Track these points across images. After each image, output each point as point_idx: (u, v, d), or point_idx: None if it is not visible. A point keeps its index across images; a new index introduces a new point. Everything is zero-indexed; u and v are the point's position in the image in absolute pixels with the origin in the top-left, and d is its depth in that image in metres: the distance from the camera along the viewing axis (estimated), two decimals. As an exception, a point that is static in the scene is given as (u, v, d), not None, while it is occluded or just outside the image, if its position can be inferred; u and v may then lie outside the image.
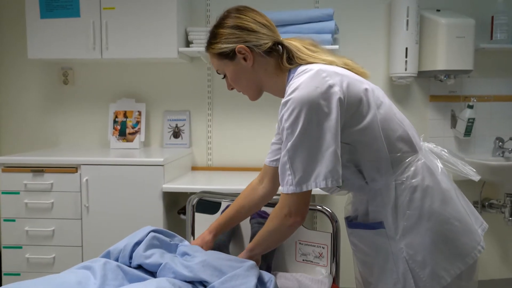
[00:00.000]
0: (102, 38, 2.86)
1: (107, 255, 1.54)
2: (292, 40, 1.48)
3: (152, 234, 1.58)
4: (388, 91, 3.16)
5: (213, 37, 1.47)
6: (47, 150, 3.11)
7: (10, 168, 2.66)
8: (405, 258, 1.35)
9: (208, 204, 2.02)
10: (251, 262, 1.47)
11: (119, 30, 2.86)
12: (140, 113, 3.20)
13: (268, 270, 1.76)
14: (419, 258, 1.34)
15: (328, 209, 1.84)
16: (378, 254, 1.42)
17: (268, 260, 1.81)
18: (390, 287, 1.39)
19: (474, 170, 1.50)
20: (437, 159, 1.46)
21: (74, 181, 2.64)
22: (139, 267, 1.49)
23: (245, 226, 1.91)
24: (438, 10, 3.04)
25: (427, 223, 1.34)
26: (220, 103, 3.24)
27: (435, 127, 3.21)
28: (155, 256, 1.48)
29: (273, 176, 1.65)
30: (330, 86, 1.28)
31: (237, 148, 3.25)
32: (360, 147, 1.36)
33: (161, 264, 1.45)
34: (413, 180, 1.36)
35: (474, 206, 1.56)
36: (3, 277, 2.69)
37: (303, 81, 1.29)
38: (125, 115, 3.20)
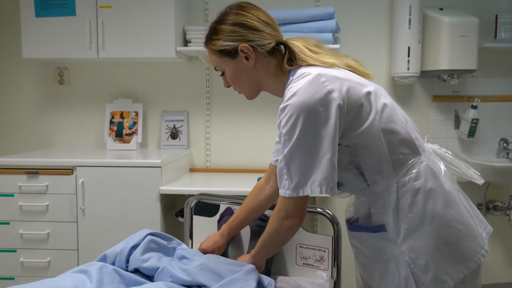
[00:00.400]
0: (98, 37, 2.85)
1: (104, 259, 1.55)
2: (295, 40, 1.47)
3: (149, 237, 1.59)
4: (390, 91, 3.15)
5: (214, 33, 1.45)
6: (42, 151, 3.10)
7: (4, 169, 2.64)
8: (407, 262, 1.35)
9: (206, 207, 2.01)
10: (251, 266, 1.48)
11: (116, 29, 2.85)
12: (137, 113, 3.19)
13: (268, 274, 1.77)
14: (421, 262, 1.33)
15: (329, 212, 1.82)
16: (379, 257, 1.42)
17: (268, 264, 1.80)
18: (392, 291, 1.39)
19: (478, 173, 1.49)
20: (441, 161, 1.45)
21: (70, 183, 2.62)
22: (136, 271, 1.50)
23: (244, 229, 1.89)
24: (441, 9, 3.03)
25: (430, 226, 1.34)
26: (218, 103, 3.23)
27: (438, 127, 3.20)
28: (152, 260, 1.49)
29: None
30: (329, 92, 1.28)
31: (236, 149, 3.23)
32: (361, 150, 1.36)
33: (158, 268, 1.46)
34: (416, 183, 1.35)
35: (478, 209, 1.56)
36: (-3, 282, 2.69)
37: (301, 87, 1.29)
38: (121, 116, 3.19)
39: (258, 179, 1.84)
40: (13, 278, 2.65)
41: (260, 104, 3.10)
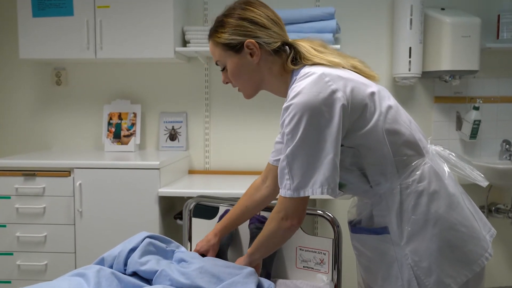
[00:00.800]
0: (96, 37, 2.85)
1: (101, 262, 1.55)
2: (301, 41, 1.46)
3: (148, 240, 1.58)
4: (391, 92, 3.05)
5: (221, 26, 1.43)
6: (39, 153, 3.09)
7: (1, 171, 2.64)
8: (410, 264, 1.34)
9: (205, 209, 2.00)
10: (250, 269, 1.47)
11: (114, 29, 2.84)
12: (135, 114, 3.17)
13: (268, 277, 1.76)
14: (425, 265, 1.33)
15: (330, 214, 1.81)
16: (382, 260, 1.41)
17: (268, 267, 1.80)
18: (395, 294, 1.39)
19: (482, 175, 1.49)
20: (444, 163, 1.44)
21: (67, 185, 2.61)
22: (134, 274, 1.50)
23: (244, 231, 1.90)
24: (442, 9, 3.02)
25: (433, 229, 1.33)
26: (218, 104, 3.22)
27: (440, 129, 3.19)
28: (150, 263, 1.49)
29: (276, 176, 1.62)
30: (333, 92, 1.28)
31: (236, 151, 3.22)
32: (364, 151, 1.35)
33: (157, 271, 1.46)
34: (419, 184, 1.35)
35: (481, 211, 1.55)
36: (-7, 285, 2.69)
37: (305, 86, 1.29)
38: (119, 117, 3.18)
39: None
40: (9, 282, 2.65)
41: (260, 105, 3.10)
